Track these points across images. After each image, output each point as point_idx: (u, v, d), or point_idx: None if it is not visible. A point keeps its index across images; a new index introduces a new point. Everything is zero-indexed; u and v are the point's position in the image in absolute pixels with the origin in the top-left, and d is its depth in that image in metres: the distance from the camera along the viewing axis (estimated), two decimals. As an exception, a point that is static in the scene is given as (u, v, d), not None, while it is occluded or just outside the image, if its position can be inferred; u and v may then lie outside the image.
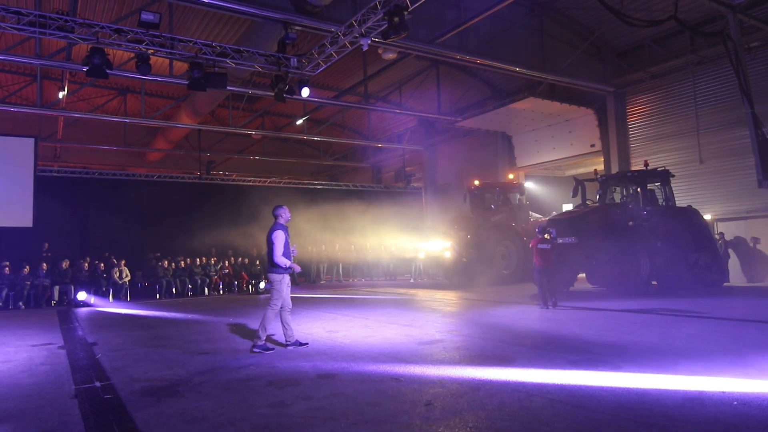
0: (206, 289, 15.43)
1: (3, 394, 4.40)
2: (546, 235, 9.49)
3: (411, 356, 5.37)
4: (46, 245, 15.01)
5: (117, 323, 9.22)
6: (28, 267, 13.17)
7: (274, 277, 5.91)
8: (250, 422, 3.48)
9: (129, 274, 14.29)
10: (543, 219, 15.54)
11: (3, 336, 7.78)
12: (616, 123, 16.07)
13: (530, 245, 10.35)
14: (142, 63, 10.65)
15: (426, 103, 18.80)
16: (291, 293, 6.18)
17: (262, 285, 15.27)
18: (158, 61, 14.25)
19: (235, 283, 16.26)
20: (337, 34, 10.78)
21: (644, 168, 12.44)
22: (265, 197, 17.05)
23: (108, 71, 10.63)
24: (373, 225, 18.36)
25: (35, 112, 16.03)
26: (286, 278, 5.98)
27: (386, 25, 9.52)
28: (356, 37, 10.49)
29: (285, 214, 6.13)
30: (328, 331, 7.33)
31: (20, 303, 12.67)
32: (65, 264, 13.72)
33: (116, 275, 14.03)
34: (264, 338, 5.91)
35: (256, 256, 16.86)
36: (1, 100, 16.61)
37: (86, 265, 14.05)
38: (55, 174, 17.32)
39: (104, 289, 13.80)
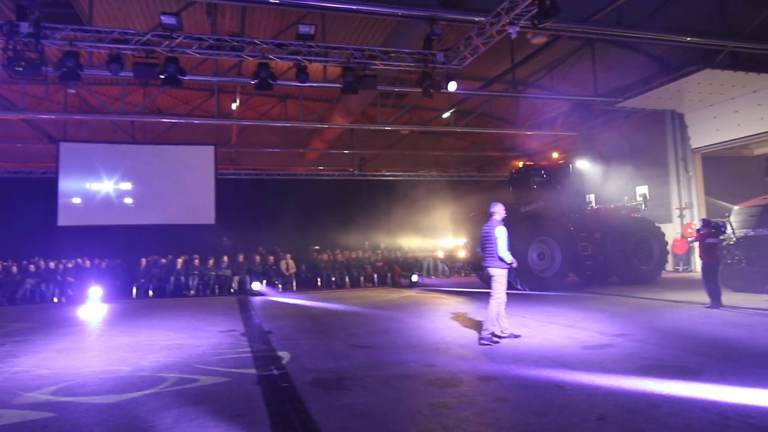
0: (361, 280, 16.24)
1: (202, 376, 5.04)
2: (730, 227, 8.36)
3: (576, 362, 5.06)
4: (226, 239, 17.04)
5: (287, 313, 10.09)
6: (212, 259, 15.06)
7: (498, 271, 6.28)
8: (414, 422, 3.54)
9: (294, 267, 15.58)
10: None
11: (197, 321, 8.98)
12: (820, 90, 13.50)
13: (693, 239, 9.50)
14: (301, 72, 11.47)
15: (580, 85, 17.59)
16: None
17: (414, 278, 15.61)
18: (313, 67, 15.28)
19: (389, 275, 16.86)
20: (484, 24, 10.53)
21: None
22: (415, 190, 17.45)
23: (272, 82, 11.64)
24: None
25: (213, 123, 18.19)
26: (506, 272, 6.35)
27: (536, 10, 9.07)
28: (504, 26, 10.15)
29: (502, 211, 6.48)
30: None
31: (207, 291, 14.56)
32: (241, 257, 15.45)
33: (284, 267, 15.38)
34: (491, 330, 6.21)
35: (407, 249, 17.30)
36: (187, 114, 19.11)
37: (258, 257, 15.65)
38: (231, 176, 19.55)
39: (274, 280, 15.21)
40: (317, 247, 17.28)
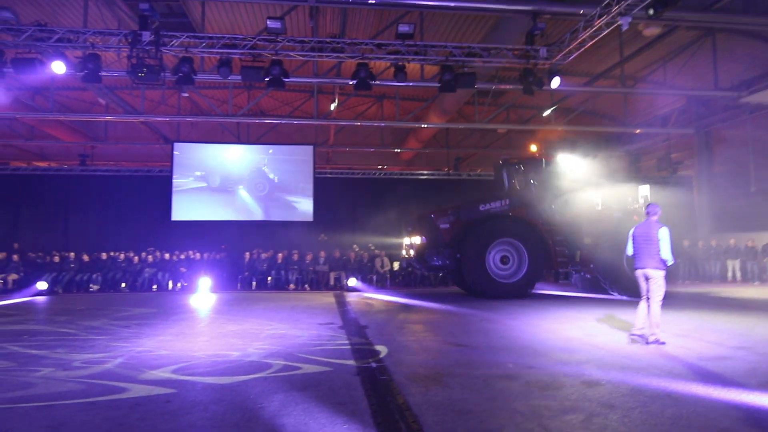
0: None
1: (304, 364, 5.34)
2: None
3: (690, 373, 4.77)
4: (323, 236, 17.76)
5: (382, 309, 10.34)
6: (310, 255, 15.77)
7: (657, 272, 6.26)
8: (514, 422, 3.53)
9: (389, 264, 15.89)
10: None
11: (297, 313, 9.48)
12: None
13: None
14: (399, 72, 11.70)
15: (698, 79, 16.34)
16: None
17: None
18: (411, 66, 15.50)
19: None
20: (592, 16, 10.14)
21: None
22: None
23: (371, 83, 11.97)
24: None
25: (312, 123, 19.01)
26: (664, 273, 6.33)
27: (651, -2, 8.61)
28: (614, 17, 9.71)
29: (659, 211, 6.54)
30: (586, 333, 6.99)
31: (305, 285, 15.26)
32: (337, 253, 16.05)
33: (378, 265, 15.74)
34: (653, 332, 6.18)
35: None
36: (288, 115, 20.11)
37: (353, 254, 16.16)
38: (328, 175, 20.33)
39: (369, 276, 15.61)
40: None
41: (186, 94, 16.74)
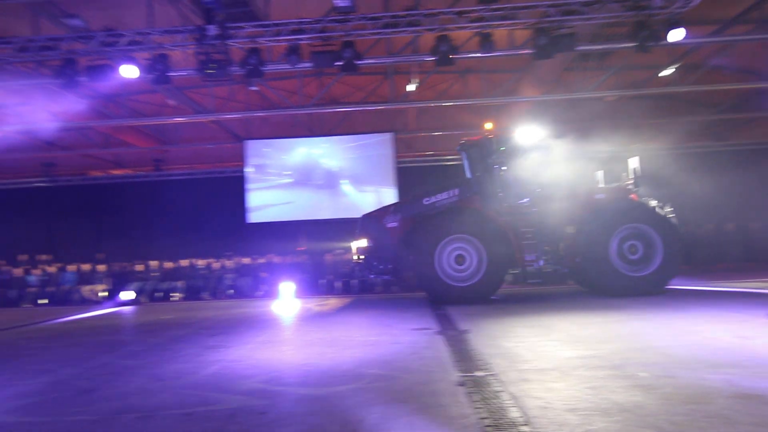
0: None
1: (402, 374, 5.40)
2: None
3: None
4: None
5: (483, 311, 10.22)
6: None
7: None
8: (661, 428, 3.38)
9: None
10: None
11: (388, 318, 9.62)
12: None
13: None
14: (485, 41, 11.49)
15: None
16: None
17: None
18: (498, 34, 15.17)
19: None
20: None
21: None
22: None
23: (453, 57, 11.86)
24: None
25: (389, 107, 19.13)
26: None
27: None
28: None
29: None
30: (738, 336, 6.51)
31: (394, 287, 15.46)
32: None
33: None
34: None
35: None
36: (362, 101, 20.35)
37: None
38: (410, 164, 20.39)
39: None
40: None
41: (255, 88, 17.42)
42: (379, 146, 19.47)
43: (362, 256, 12.49)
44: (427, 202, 12.07)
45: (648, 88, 19.04)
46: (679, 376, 4.84)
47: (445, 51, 11.80)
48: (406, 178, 19.46)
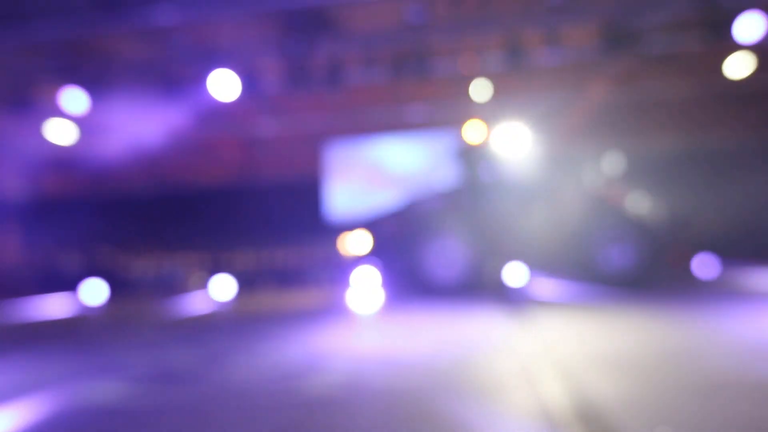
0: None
1: (476, 365, 5.98)
2: None
3: None
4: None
5: (553, 305, 10.50)
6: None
7: None
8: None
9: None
10: None
11: (462, 311, 10.12)
12: None
13: None
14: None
15: None
16: None
17: None
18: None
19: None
20: None
21: None
22: None
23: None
24: None
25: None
26: None
27: None
28: None
29: None
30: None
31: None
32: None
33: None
34: None
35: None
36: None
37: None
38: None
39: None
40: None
41: (336, 96, 18.41)
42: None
43: (355, 254, 13.41)
44: (414, 205, 12.93)
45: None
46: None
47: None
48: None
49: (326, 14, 14.81)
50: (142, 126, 20.59)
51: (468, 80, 18.45)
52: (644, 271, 11.21)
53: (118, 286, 18.95)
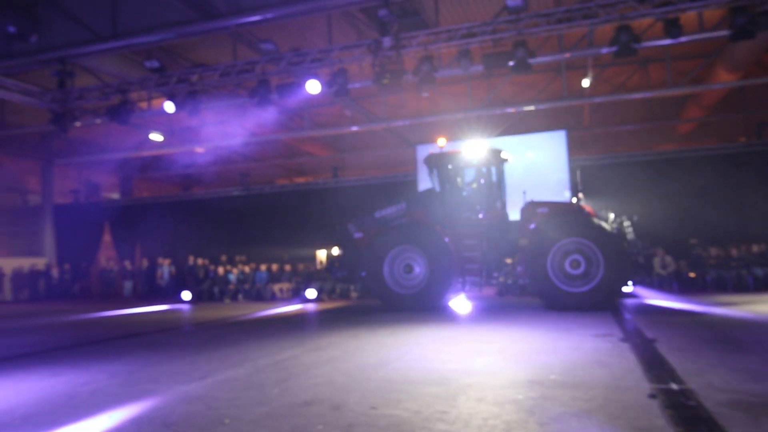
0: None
1: (586, 382, 5.15)
2: None
3: None
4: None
5: (672, 319, 9.46)
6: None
7: None
8: None
9: (673, 264, 14.43)
10: None
11: (566, 323, 9.22)
12: None
13: None
14: (671, 27, 10.54)
15: None
16: None
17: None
18: (683, 17, 13.82)
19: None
20: None
21: None
22: None
23: (635, 46, 11.06)
24: None
25: (562, 105, 18.36)
26: None
27: None
28: None
29: None
30: None
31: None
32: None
33: (658, 264, 14.42)
34: None
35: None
36: (533, 99, 19.79)
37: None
38: (586, 162, 19.35)
39: (647, 279, 14.40)
40: (694, 241, 15.59)
41: (426, 94, 17.81)
42: (552, 145, 18.76)
43: (327, 261, 14.02)
44: (379, 216, 13.18)
45: None
46: None
47: (626, 41, 11.00)
48: (588, 176, 18.48)
49: (420, 9, 14.22)
50: (231, 130, 20.95)
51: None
52: (608, 288, 10.80)
53: (206, 290, 19.25)
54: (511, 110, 19.04)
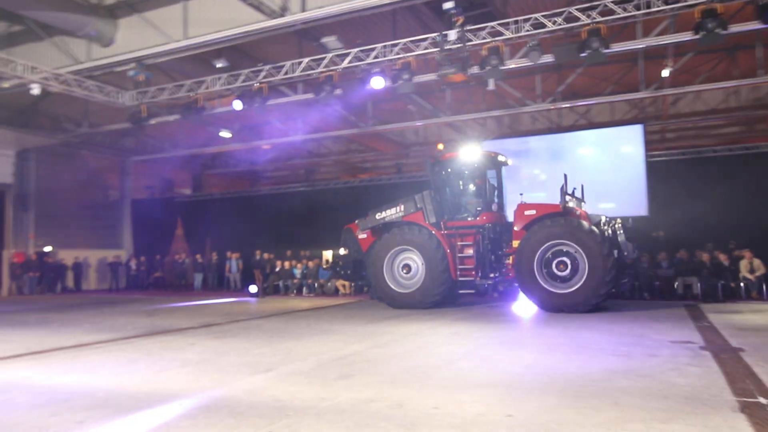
0: None
1: (662, 390, 4.89)
2: None
3: None
4: (661, 233, 16.15)
5: (762, 326, 8.94)
6: (645, 256, 14.57)
7: None
8: None
9: (762, 267, 13.53)
10: None
11: (641, 328, 8.83)
12: None
13: None
14: (765, 10, 9.87)
15: None
16: None
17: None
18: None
19: None
20: None
21: None
22: None
23: (723, 32, 10.43)
24: None
25: (639, 97, 17.59)
26: None
27: None
28: None
29: None
30: None
31: (645, 294, 14.19)
32: (683, 254, 14.46)
33: (745, 267, 13.59)
34: None
35: None
36: (607, 92, 19.06)
37: (706, 255, 14.24)
38: (664, 158, 18.46)
39: (731, 283, 13.62)
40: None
41: (492, 88, 17.44)
42: (627, 140, 18.01)
43: (332, 261, 14.52)
44: (378, 217, 13.48)
45: None
46: None
47: (712, 27, 10.34)
48: (658, 174, 17.61)
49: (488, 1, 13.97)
50: (296, 127, 21.33)
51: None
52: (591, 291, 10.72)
53: (271, 284, 19.70)
54: (582, 103, 18.45)
